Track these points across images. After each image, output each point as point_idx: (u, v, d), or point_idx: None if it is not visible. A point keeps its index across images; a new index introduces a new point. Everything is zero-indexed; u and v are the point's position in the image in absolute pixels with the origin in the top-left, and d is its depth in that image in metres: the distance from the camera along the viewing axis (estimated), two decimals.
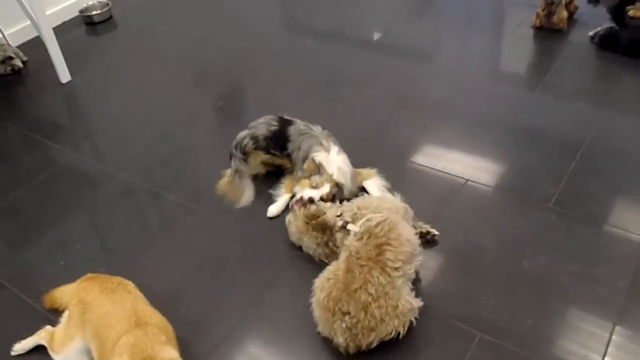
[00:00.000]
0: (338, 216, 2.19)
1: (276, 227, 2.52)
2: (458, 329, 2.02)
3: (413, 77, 3.51)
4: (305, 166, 2.51)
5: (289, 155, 2.66)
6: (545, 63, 3.44)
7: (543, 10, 3.68)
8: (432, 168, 2.76)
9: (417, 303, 1.95)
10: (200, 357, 2.05)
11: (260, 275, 2.33)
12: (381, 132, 3.00)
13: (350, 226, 2.10)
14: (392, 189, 2.56)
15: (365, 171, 2.64)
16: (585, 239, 2.32)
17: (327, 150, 2.53)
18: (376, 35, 4.13)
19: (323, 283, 1.97)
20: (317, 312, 1.98)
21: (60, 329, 2.04)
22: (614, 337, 1.95)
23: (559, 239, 2.32)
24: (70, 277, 2.21)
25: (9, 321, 2.28)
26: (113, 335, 1.81)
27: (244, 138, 2.72)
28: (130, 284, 2.05)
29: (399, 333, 1.91)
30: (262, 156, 2.73)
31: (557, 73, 3.33)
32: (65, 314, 2.05)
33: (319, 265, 2.31)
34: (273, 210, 2.58)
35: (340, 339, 1.90)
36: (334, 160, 2.50)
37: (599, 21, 3.63)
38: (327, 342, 2.01)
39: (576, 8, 3.83)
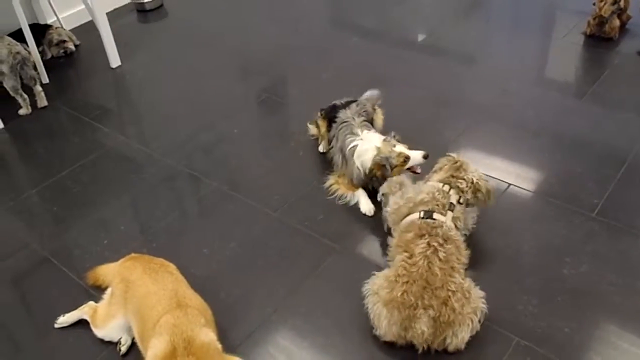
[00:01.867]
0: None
1: (317, 220, 2.55)
2: (496, 333, 2.01)
3: (458, 79, 3.49)
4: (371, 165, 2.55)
5: (328, 128, 2.83)
6: (594, 71, 3.38)
7: (594, 18, 3.62)
8: None
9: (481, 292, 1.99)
10: (235, 342, 2.08)
11: (298, 266, 2.35)
12: (423, 131, 3.00)
13: (437, 215, 2.11)
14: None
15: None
16: (628, 250, 2.28)
17: (359, 136, 2.63)
18: (421, 36, 4.12)
19: (388, 282, 1.97)
20: (385, 311, 1.94)
21: (102, 305, 2.10)
22: None
23: (601, 249, 2.29)
24: (112, 257, 2.28)
25: (54, 295, 2.35)
26: (154, 315, 1.85)
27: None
28: (172, 266, 2.10)
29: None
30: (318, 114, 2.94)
31: (605, 82, 3.28)
32: (108, 291, 2.11)
33: (358, 260, 2.34)
34: (367, 208, 2.57)
35: (424, 327, 1.89)
36: (370, 139, 2.59)
37: None
38: (363, 339, 2.03)
39: (629, 18, 3.75)
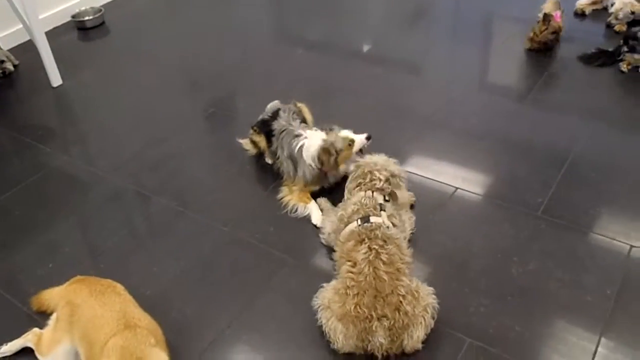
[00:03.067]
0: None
1: (267, 232, 2.53)
2: (448, 335, 2.03)
3: (403, 87, 3.54)
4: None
5: (268, 141, 2.83)
6: (534, 76, 3.49)
7: (533, 39, 3.66)
8: (421, 176, 2.78)
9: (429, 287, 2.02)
10: None
11: (250, 280, 2.33)
12: (371, 140, 3.01)
13: (373, 219, 2.12)
14: None
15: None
16: (573, 247, 2.34)
17: (302, 136, 2.68)
18: (366, 47, 4.17)
19: (339, 296, 1.96)
20: (340, 325, 1.92)
21: (47, 331, 2.02)
22: (600, 348, 1.97)
23: (547, 247, 2.34)
24: (58, 280, 2.20)
25: None
26: (101, 338, 1.80)
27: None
28: (119, 286, 2.04)
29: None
30: (250, 132, 2.94)
31: (545, 86, 3.38)
32: (53, 317, 2.04)
33: (311, 272, 2.33)
34: (316, 218, 2.56)
35: (382, 340, 1.89)
36: (314, 136, 2.65)
37: (584, 36, 3.70)
38: (319, 351, 2.02)
39: (561, 29, 3.81)
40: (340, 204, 2.39)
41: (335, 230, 2.27)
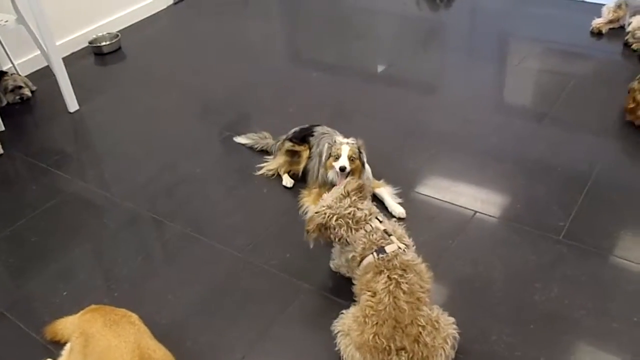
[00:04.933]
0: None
1: (284, 258, 2.50)
2: None
3: (418, 109, 3.52)
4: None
5: (308, 147, 2.90)
6: (552, 96, 3.44)
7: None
8: (439, 199, 2.74)
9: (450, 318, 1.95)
10: None
11: (266, 308, 2.29)
12: (387, 163, 2.98)
13: (388, 248, 2.04)
14: (402, 196, 2.74)
15: (376, 182, 2.78)
16: (597, 272, 2.28)
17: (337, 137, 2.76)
18: (381, 68, 4.16)
19: (357, 324, 1.91)
20: (358, 354, 1.88)
21: None
22: None
23: (570, 272, 2.28)
24: (73, 308, 2.18)
25: (10, 352, 2.23)
26: None
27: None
28: (134, 316, 2.01)
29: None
30: (287, 144, 2.96)
31: (564, 105, 3.33)
32: (67, 347, 2.01)
33: (328, 299, 2.28)
34: None
35: None
36: (342, 139, 2.69)
37: (601, 55, 3.64)
38: None
39: None
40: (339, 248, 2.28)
41: (348, 267, 2.21)
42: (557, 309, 2.14)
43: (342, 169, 2.56)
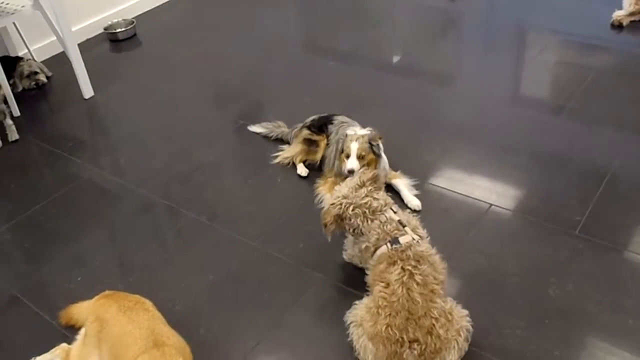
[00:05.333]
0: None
1: (297, 248, 2.49)
2: (482, 358, 1.96)
3: (435, 99, 3.49)
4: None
5: (327, 136, 2.88)
6: (570, 88, 3.40)
7: None
8: (454, 192, 2.72)
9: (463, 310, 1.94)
10: None
11: (280, 297, 2.29)
12: (402, 153, 2.96)
13: (402, 239, 2.02)
14: (417, 187, 2.72)
15: (393, 172, 2.76)
16: (613, 267, 2.25)
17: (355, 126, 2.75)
18: (397, 58, 4.12)
19: (371, 315, 1.91)
20: (371, 345, 1.88)
21: (76, 347, 2.01)
22: None
23: (586, 268, 2.26)
24: (87, 294, 2.19)
25: (25, 337, 2.25)
26: (130, 355, 1.77)
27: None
28: (148, 303, 2.02)
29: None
30: (304, 132, 2.95)
31: (582, 98, 3.29)
32: (82, 332, 2.02)
33: (340, 289, 2.28)
34: None
35: None
36: (356, 131, 2.66)
37: (622, 47, 3.58)
38: None
39: None
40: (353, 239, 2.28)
41: (361, 257, 2.20)
42: (572, 304, 2.12)
43: (351, 171, 2.51)
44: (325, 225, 2.18)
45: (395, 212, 2.15)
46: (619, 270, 2.25)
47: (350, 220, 2.13)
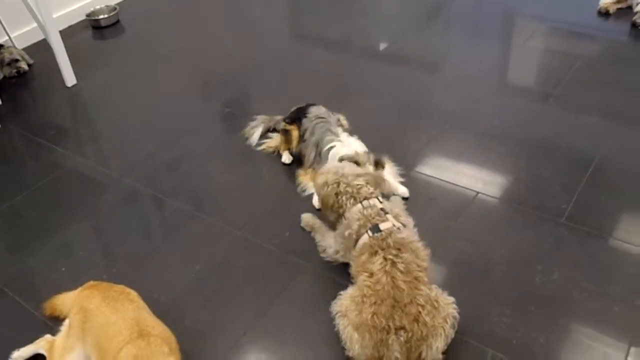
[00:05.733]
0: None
1: (283, 237, 2.48)
2: (470, 346, 1.97)
3: (422, 87, 3.48)
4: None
5: (299, 127, 2.83)
6: (557, 76, 3.40)
7: None
8: (441, 179, 2.71)
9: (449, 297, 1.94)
10: None
11: (266, 286, 2.28)
12: (389, 142, 2.95)
13: (382, 225, 2.04)
14: (403, 175, 2.71)
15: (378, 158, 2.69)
16: (598, 255, 2.26)
17: (338, 137, 2.65)
18: (384, 45, 4.10)
19: (355, 304, 1.90)
20: (357, 334, 1.87)
21: (60, 338, 1.99)
22: (629, 358, 1.90)
23: (572, 255, 2.27)
24: (71, 284, 2.17)
25: (8, 328, 2.23)
26: (114, 346, 1.76)
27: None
28: (133, 293, 2.00)
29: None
30: (281, 124, 2.95)
31: (569, 86, 3.29)
32: (66, 323, 2.01)
33: (328, 278, 2.27)
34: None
35: (397, 355, 1.83)
36: (350, 143, 2.59)
37: (609, 35, 3.58)
38: (336, 358, 1.96)
39: None
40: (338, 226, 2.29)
41: (345, 248, 2.20)
42: (558, 291, 2.13)
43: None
44: (324, 186, 2.24)
45: (381, 202, 2.14)
46: (604, 257, 2.26)
47: (341, 196, 2.18)
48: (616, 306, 2.06)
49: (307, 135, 2.76)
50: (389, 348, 1.83)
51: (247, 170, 2.93)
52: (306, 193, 2.67)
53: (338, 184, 2.21)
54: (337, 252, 2.28)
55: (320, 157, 2.66)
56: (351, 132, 2.75)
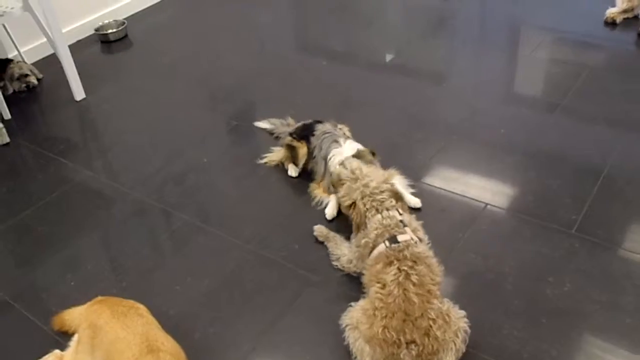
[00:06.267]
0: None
1: (293, 250, 2.47)
2: None
3: (428, 98, 3.48)
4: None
5: (308, 145, 2.84)
6: (564, 86, 3.39)
7: None
8: (449, 191, 2.71)
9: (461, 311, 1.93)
10: None
11: (275, 300, 2.27)
12: (396, 153, 2.95)
13: (401, 237, 2.03)
14: (415, 186, 2.72)
15: (388, 171, 2.69)
16: (610, 266, 2.25)
17: (341, 145, 2.67)
18: (390, 57, 4.11)
19: (367, 317, 1.89)
20: (368, 348, 1.86)
21: (69, 353, 1.98)
22: None
23: (583, 267, 2.25)
24: (80, 298, 2.16)
25: (17, 342, 2.23)
26: None
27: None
28: (142, 308, 1.99)
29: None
30: (287, 138, 2.94)
31: (576, 96, 3.28)
32: (75, 338, 2.00)
33: (337, 291, 2.26)
34: (329, 212, 2.61)
35: None
36: (348, 148, 2.64)
37: (615, 45, 3.58)
38: None
39: None
40: (353, 236, 2.31)
41: (359, 257, 2.19)
42: (569, 304, 2.12)
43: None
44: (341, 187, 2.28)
45: (400, 214, 2.14)
46: (615, 268, 2.24)
47: (364, 208, 2.18)
48: (628, 318, 2.04)
49: (316, 151, 2.78)
50: None
51: (254, 182, 2.93)
52: (322, 206, 2.67)
53: (363, 197, 2.20)
54: (350, 261, 2.27)
55: (327, 167, 2.67)
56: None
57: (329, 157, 2.67)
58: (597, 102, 3.23)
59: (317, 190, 2.73)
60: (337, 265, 2.34)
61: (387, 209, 2.15)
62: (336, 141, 2.71)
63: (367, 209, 2.17)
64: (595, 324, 2.05)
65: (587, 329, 2.03)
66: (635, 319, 2.03)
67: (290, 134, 2.94)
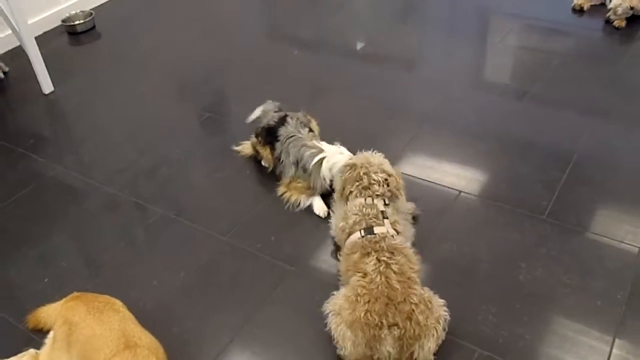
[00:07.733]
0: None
1: (269, 241, 2.47)
2: (456, 345, 1.98)
3: (399, 86, 3.49)
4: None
5: (272, 151, 2.78)
6: (533, 73, 3.44)
7: None
8: (423, 179, 2.73)
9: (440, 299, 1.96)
10: None
11: (253, 292, 2.27)
12: (368, 142, 2.90)
13: (377, 229, 2.05)
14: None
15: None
16: (580, 250, 2.30)
17: (318, 147, 2.62)
18: (360, 44, 4.11)
19: (349, 303, 1.90)
20: (349, 332, 1.87)
21: (44, 351, 1.96)
22: (614, 350, 1.93)
23: (554, 251, 2.30)
24: (55, 295, 2.15)
25: None
26: (101, 359, 1.73)
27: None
28: (118, 303, 1.98)
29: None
30: (253, 139, 2.91)
31: (544, 83, 3.34)
32: (50, 336, 1.97)
33: (315, 281, 2.28)
34: (320, 210, 2.59)
35: (390, 349, 1.84)
36: (335, 150, 2.60)
37: (583, 32, 3.63)
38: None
39: None
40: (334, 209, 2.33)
41: (338, 240, 2.21)
42: (542, 288, 2.16)
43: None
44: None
45: (385, 205, 2.15)
46: (585, 252, 2.29)
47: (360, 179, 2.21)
48: (599, 300, 2.10)
49: (282, 156, 2.71)
50: (382, 343, 1.83)
51: (229, 174, 2.92)
52: (300, 208, 2.63)
53: (358, 167, 2.23)
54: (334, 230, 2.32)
55: (305, 171, 2.62)
56: (321, 137, 2.78)
57: (313, 161, 2.59)
58: (566, 88, 3.28)
59: (289, 193, 2.67)
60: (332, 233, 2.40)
61: (373, 197, 2.16)
62: (306, 145, 2.65)
63: (355, 188, 2.21)
64: (568, 307, 2.10)
65: (559, 312, 2.08)
66: (605, 301, 2.09)
67: (256, 136, 2.88)
